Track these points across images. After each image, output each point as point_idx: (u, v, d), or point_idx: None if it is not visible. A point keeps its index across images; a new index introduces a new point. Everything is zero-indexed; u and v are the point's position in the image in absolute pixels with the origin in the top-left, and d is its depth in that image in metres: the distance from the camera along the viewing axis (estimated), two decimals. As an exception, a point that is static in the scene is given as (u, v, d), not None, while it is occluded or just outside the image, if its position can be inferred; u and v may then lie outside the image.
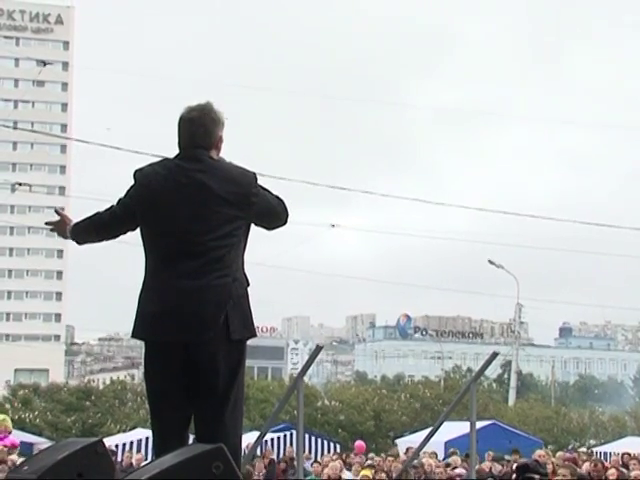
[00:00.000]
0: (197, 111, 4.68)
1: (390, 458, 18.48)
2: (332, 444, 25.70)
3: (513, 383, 51.69)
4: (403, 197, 55.09)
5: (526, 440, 26.00)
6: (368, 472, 15.89)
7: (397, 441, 30.21)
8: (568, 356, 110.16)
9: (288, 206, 4.80)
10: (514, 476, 10.85)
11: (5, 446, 14.03)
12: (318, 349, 6.84)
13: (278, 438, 23.52)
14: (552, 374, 74.87)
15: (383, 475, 15.50)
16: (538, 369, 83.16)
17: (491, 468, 15.23)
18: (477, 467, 15.19)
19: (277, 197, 4.76)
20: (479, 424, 25.96)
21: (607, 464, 13.74)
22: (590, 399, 65.32)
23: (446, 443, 22.66)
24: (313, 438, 24.91)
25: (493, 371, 67.70)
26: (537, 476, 9.66)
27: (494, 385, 66.51)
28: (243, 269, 4.66)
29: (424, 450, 17.94)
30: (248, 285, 4.67)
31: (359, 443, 23.77)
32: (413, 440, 23.34)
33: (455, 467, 15.47)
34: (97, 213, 4.85)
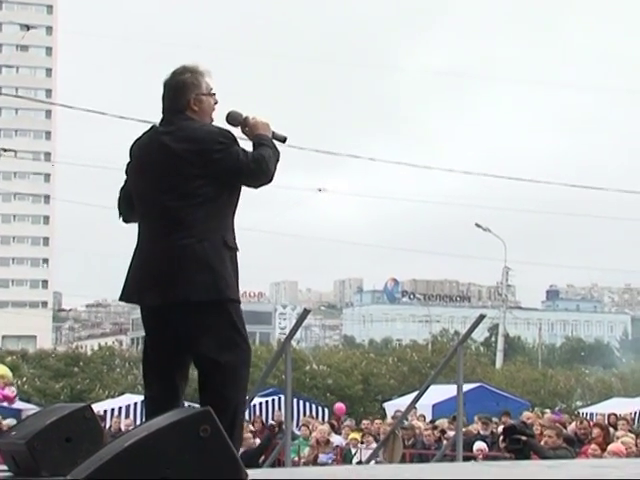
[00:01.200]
0: (169, 75, 4.74)
1: (378, 421, 18.60)
2: (320, 408, 25.82)
3: (500, 346, 51.90)
4: (389, 161, 54.80)
5: (513, 402, 26.15)
6: (356, 435, 16.03)
7: (385, 404, 30.37)
8: (555, 319, 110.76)
9: (275, 163, 4.64)
10: (501, 437, 10.92)
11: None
12: (305, 313, 6.86)
13: (267, 402, 23.60)
14: (539, 337, 75.35)
15: (371, 438, 15.63)
16: (525, 332, 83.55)
17: (479, 431, 15.32)
18: (465, 429, 15.31)
19: (259, 154, 4.60)
20: (466, 387, 26.02)
21: (592, 423, 13.82)
22: (577, 361, 65.72)
23: (434, 406, 22.81)
24: (301, 402, 25.01)
25: (480, 334, 68.05)
26: (524, 437, 9.70)
27: (482, 348, 66.84)
28: (223, 230, 4.56)
29: (412, 413, 18.08)
30: (230, 248, 4.57)
31: (339, 405, 24.09)
32: (401, 403, 23.46)
33: (443, 429, 15.56)
34: (121, 188, 4.94)
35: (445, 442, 13.76)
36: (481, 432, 15.23)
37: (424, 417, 19.51)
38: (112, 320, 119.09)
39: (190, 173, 4.51)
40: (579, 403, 40.29)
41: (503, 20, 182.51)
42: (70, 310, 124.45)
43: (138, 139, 4.77)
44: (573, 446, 11.23)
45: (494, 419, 16.67)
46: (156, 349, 4.62)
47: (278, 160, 4.68)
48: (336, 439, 16.13)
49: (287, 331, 7.00)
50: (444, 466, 7.72)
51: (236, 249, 4.62)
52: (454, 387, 7.50)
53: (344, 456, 15.08)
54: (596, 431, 11.79)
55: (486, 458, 12.92)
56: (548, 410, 24.78)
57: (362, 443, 15.29)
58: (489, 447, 14.06)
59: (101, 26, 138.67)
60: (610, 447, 10.52)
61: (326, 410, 25.57)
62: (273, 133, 4.78)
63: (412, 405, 8.48)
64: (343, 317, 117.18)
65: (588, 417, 22.66)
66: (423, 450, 14.88)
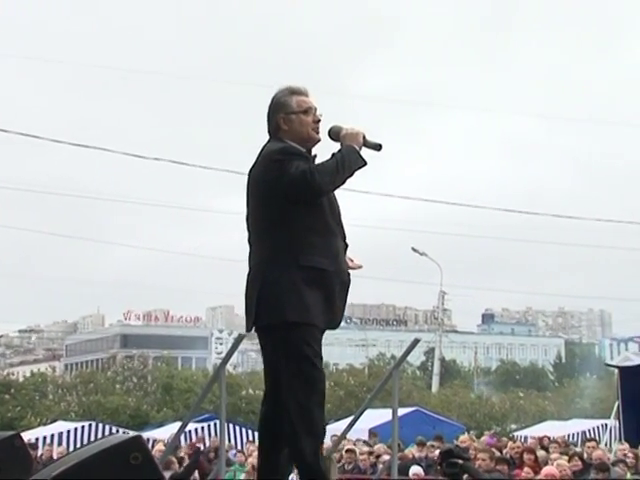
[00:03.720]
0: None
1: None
2: (257, 433, 25.67)
3: (436, 370, 52.16)
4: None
5: (449, 426, 26.30)
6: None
7: (322, 429, 30.26)
8: (490, 342, 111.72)
9: (335, 174, 4.46)
10: (438, 461, 10.97)
11: None
12: (240, 337, 6.79)
13: (202, 428, 23.39)
14: (475, 360, 75.89)
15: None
16: (461, 355, 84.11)
17: (414, 455, 15.35)
18: (400, 454, 15.32)
19: (314, 166, 4.46)
20: (403, 411, 26.24)
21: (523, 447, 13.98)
22: (512, 384, 66.25)
23: (370, 430, 22.81)
24: (237, 427, 24.82)
25: (417, 358, 68.42)
26: (460, 461, 9.76)
27: (418, 372, 67.12)
28: (296, 251, 4.40)
29: (348, 437, 18.04)
30: (304, 267, 4.39)
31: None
32: (337, 428, 23.34)
33: (379, 455, 15.56)
34: None
35: (381, 466, 13.76)
36: (416, 455, 15.26)
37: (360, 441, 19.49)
38: (45, 346, 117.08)
39: (261, 195, 4.48)
40: (513, 426, 40.58)
41: (451, 45, 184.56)
42: (1, 336, 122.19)
43: None
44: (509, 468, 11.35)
45: (429, 443, 16.73)
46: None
47: (352, 169, 4.50)
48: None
49: (224, 356, 6.94)
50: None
51: (315, 268, 4.42)
52: (390, 411, 7.49)
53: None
54: (527, 455, 11.94)
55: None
56: (487, 433, 24.96)
57: (298, 468, 15.19)
58: (425, 471, 14.08)
59: (32, 48, 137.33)
60: (544, 470, 10.63)
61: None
62: (365, 142, 4.65)
63: (348, 429, 8.45)
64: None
65: (522, 440, 22.86)
66: (359, 475, 14.84)
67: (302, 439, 4.31)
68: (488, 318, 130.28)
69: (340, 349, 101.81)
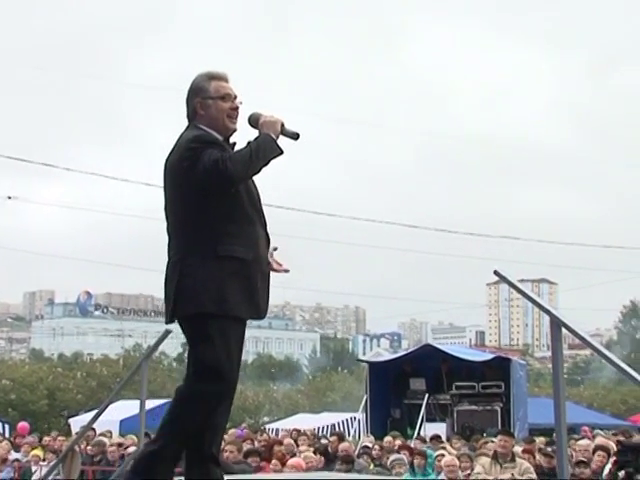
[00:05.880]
0: None
1: (61, 438, 18.04)
2: (1, 424, 24.67)
3: (192, 362, 52.03)
4: (83, 171, 53.47)
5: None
6: (39, 452, 15.47)
7: (71, 420, 29.48)
8: (248, 335, 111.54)
9: (250, 163, 4.33)
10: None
11: None
12: (166, 333, 6.52)
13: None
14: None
15: (53, 455, 15.10)
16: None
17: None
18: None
19: (229, 154, 4.32)
20: (156, 402, 25.90)
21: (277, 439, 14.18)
22: (267, 377, 67.17)
23: (121, 422, 22.42)
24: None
25: (174, 350, 67.97)
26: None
27: (175, 364, 66.68)
28: (214, 241, 4.30)
29: (100, 429, 17.63)
30: (223, 257, 4.29)
31: (22, 424, 23.38)
32: (87, 419, 22.85)
33: (127, 446, 15.30)
34: None
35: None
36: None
37: (110, 433, 19.10)
38: None
39: (177, 184, 4.37)
40: (266, 419, 41.13)
41: (231, 34, 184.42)
42: None
43: None
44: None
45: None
46: None
47: (267, 157, 4.38)
48: (16, 456, 15.56)
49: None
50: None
51: (234, 257, 4.32)
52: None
53: (23, 473, 14.61)
54: (276, 447, 12.12)
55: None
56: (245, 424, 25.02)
57: (44, 460, 14.80)
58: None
59: None
60: (290, 461, 10.76)
61: (7, 426, 24.48)
62: (283, 130, 4.51)
63: (93, 420, 8.18)
64: (32, 330, 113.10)
65: (274, 433, 23.18)
66: (107, 467, 14.52)
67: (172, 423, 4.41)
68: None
69: (96, 339, 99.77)
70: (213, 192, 4.30)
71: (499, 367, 20.72)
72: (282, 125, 4.54)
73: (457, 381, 20.89)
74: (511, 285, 5.28)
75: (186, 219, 4.36)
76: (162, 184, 4.55)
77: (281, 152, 4.46)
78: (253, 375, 70.76)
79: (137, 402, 7.40)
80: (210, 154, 4.28)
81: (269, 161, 4.43)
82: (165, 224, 4.55)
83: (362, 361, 32.44)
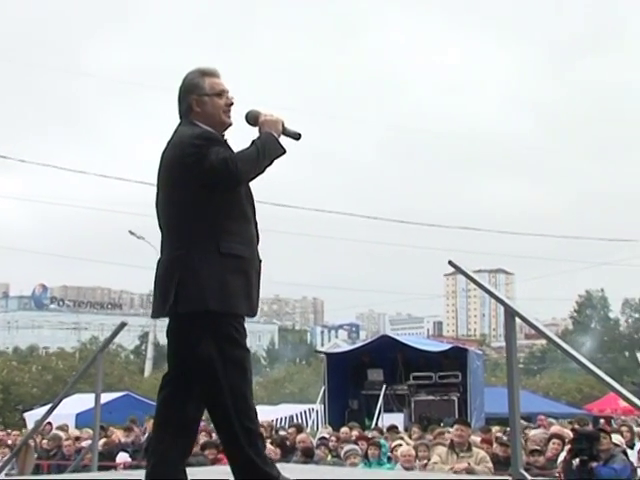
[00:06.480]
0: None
1: (15, 432, 17.87)
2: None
3: (150, 354, 51.73)
4: (37, 163, 52.89)
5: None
6: (-9, 447, 15.28)
7: (26, 414, 29.23)
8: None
9: (255, 162, 4.34)
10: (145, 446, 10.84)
11: None
12: (122, 325, 6.46)
13: None
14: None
15: (7, 450, 14.95)
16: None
17: (120, 439, 15.10)
18: (107, 439, 15.03)
19: (235, 154, 4.31)
20: (113, 395, 25.84)
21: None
22: (224, 369, 66.94)
23: (77, 415, 22.27)
24: None
25: (131, 342, 67.65)
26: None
27: (132, 357, 66.32)
28: (217, 237, 4.29)
29: (56, 423, 17.48)
30: (225, 254, 4.28)
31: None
32: (42, 413, 22.65)
33: (84, 440, 15.21)
34: None
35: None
36: (123, 441, 15.03)
37: (67, 426, 18.96)
38: None
39: (176, 181, 4.34)
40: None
41: (188, 30, 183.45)
42: None
43: None
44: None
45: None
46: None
47: (272, 157, 4.39)
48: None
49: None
50: (76, 476, 7.46)
51: (234, 255, 4.34)
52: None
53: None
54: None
55: (128, 468, 12.78)
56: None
57: (-2, 455, 14.62)
58: (132, 457, 13.92)
59: None
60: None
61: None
62: (284, 130, 4.49)
63: (48, 414, 8.12)
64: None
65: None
66: (62, 461, 14.41)
67: (236, 422, 4.43)
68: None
69: (51, 332, 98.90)
70: (216, 190, 4.31)
71: (456, 357, 20.84)
72: (283, 125, 4.55)
73: (414, 371, 20.98)
74: (465, 275, 5.30)
75: (186, 215, 4.34)
76: (156, 180, 4.53)
77: (284, 152, 4.49)
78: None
79: (93, 395, 7.36)
80: (217, 152, 4.29)
81: (273, 161, 4.45)
82: (157, 220, 4.54)
83: (320, 352, 32.56)
